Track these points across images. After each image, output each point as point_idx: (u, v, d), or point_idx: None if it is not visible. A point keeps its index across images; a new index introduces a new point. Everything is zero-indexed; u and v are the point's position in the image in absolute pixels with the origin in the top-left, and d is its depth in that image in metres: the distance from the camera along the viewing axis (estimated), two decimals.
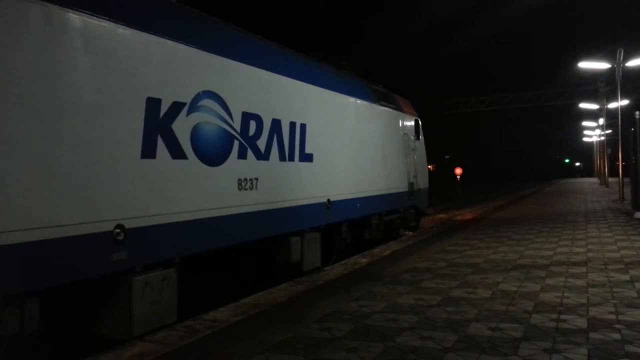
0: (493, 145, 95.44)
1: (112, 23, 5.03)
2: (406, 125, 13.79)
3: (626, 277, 6.86)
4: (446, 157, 71.44)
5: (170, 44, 5.76)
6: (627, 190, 17.84)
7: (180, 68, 5.89)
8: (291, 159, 8.15)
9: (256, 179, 7.17)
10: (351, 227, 10.48)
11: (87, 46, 4.75)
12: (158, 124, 5.51)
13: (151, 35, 5.49)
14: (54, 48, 4.47)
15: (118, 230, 4.92)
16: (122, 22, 5.15)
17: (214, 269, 7.18)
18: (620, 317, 5.04)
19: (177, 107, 5.77)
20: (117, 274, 4.99)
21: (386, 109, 12.45)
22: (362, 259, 9.27)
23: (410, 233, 13.95)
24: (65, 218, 4.44)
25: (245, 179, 6.95)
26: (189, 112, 5.95)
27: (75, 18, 4.68)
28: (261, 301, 6.29)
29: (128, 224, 5.02)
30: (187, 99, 5.93)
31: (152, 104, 5.44)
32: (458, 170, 41.50)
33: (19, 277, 4.11)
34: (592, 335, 4.54)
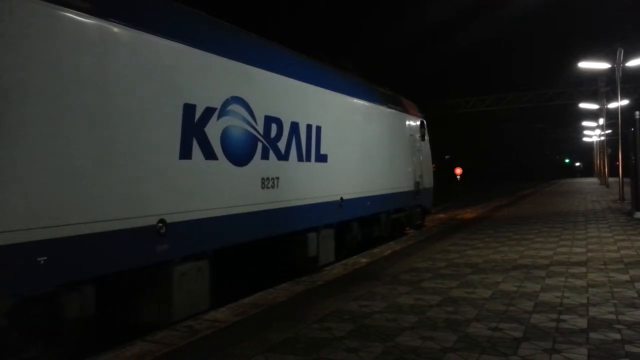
0: (493, 145, 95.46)
1: (155, 36, 5.47)
2: (412, 127, 14.16)
3: (626, 277, 6.86)
4: (446, 157, 71.41)
5: (203, 53, 6.19)
6: (627, 190, 17.84)
7: (212, 75, 6.34)
8: (308, 159, 8.57)
9: (277, 178, 7.58)
10: (361, 224, 10.87)
11: (133, 57, 5.17)
12: (193, 128, 5.95)
13: (186, 46, 5.91)
14: (106, 60, 4.86)
15: (160, 224, 5.36)
16: (163, 35, 5.59)
17: (239, 262, 7.50)
18: (620, 317, 5.04)
19: (209, 111, 6.22)
20: (158, 265, 5.42)
21: (393, 111, 12.82)
22: (362, 259, 9.28)
23: (415, 231, 14.23)
24: (117, 212, 4.88)
25: (268, 178, 7.36)
26: (219, 116, 6.39)
27: (125, 33, 5.08)
28: (261, 301, 6.29)
29: (169, 219, 5.47)
30: (217, 104, 6.38)
31: (188, 109, 5.88)
32: (458, 170, 41.52)
33: (78, 266, 4.51)
34: (592, 335, 4.55)
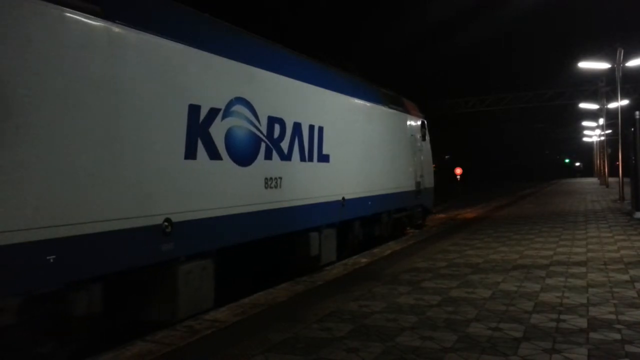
0: (493, 145, 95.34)
1: (160, 38, 5.51)
2: (413, 127, 14.25)
3: (626, 277, 6.86)
4: (446, 157, 71.36)
5: (207, 55, 6.26)
6: (627, 190, 17.84)
7: (216, 76, 6.42)
8: (310, 159, 8.65)
9: (280, 178, 7.65)
10: (363, 224, 10.95)
11: (139, 59, 5.22)
12: (198, 128, 6.02)
13: (191, 47, 5.97)
14: (114, 61, 4.93)
15: (166, 224, 5.44)
16: (169, 37, 5.65)
17: (242, 262, 7.55)
18: (620, 317, 5.05)
19: (213, 112, 6.30)
20: (164, 264, 5.50)
21: (395, 111, 12.90)
22: (362, 259, 9.28)
23: (416, 231, 14.30)
24: (124, 212, 4.95)
25: (271, 178, 7.44)
26: (223, 117, 6.47)
27: (132, 35, 5.14)
28: (261, 301, 6.29)
29: (174, 218, 5.55)
30: (221, 104, 6.46)
31: (193, 110, 5.96)
32: (458, 171, 41.50)
33: (86, 265, 4.57)
34: (592, 335, 4.55)
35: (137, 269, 5.20)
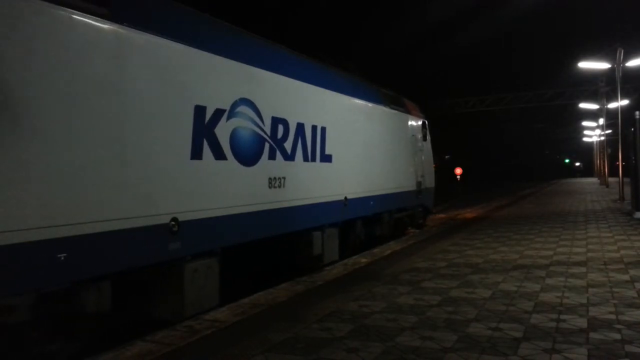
0: (493, 145, 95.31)
1: (167, 40, 5.57)
2: (414, 127, 14.33)
3: (626, 277, 6.86)
4: (446, 157, 71.28)
5: (212, 56, 6.35)
6: (627, 190, 17.84)
7: (221, 78, 6.51)
8: (313, 159, 8.73)
9: (284, 177, 7.73)
10: (364, 223, 11.05)
11: (145, 60, 5.27)
12: (203, 129, 6.10)
13: (196, 49, 6.06)
14: (122, 63, 4.98)
15: (173, 223, 5.52)
16: (175, 38, 5.73)
17: (246, 261, 7.64)
18: (620, 317, 5.05)
19: (218, 113, 6.38)
20: (171, 262, 5.60)
21: (396, 111, 12.97)
22: (362, 259, 9.27)
23: (417, 231, 14.38)
24: (132, 211, 5.02)
25: (275, 178, 7.51)
26: (228, 118, 6.55)
27: (139, 37, 5.20)
28: (261, 301, 6.29)
29: (181, 217, 5.63)
30: (226, 105, 6.54)
31: (199, 110, 6.04)
32: (458, 170, 41.48)
33: (90, 263, 4.62)
34: (592, 335, 4.55)
35: (143, 268, 5.24)
